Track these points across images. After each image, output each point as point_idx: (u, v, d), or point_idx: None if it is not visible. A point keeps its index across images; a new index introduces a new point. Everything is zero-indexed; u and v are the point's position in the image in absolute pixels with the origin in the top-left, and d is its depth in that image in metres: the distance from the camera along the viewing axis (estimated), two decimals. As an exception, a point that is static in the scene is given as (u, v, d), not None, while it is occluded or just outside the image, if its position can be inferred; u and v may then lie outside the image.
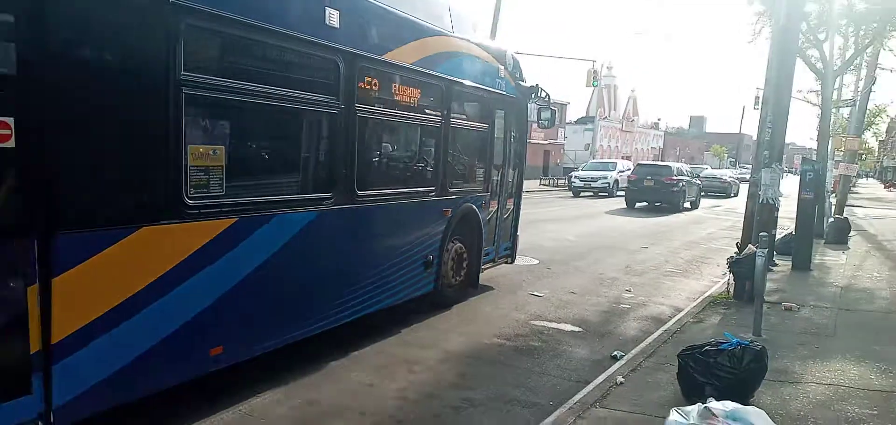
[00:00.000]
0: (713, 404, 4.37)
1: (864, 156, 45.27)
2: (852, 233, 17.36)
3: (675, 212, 25.75)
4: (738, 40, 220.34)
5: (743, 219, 11.22)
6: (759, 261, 7.58)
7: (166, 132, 4.39)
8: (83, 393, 4.07)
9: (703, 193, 31.88)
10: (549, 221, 18.64)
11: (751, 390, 5.37)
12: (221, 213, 4.90)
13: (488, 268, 9.67)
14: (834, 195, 20.95)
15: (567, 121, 64.67)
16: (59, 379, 3.90)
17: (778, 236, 12.40)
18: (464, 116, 8.48)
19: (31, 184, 3.74)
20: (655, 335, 7.60)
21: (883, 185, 66.14)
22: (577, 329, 7.96)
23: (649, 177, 27.37)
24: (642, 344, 7.20)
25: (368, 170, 6.82)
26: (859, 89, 24.08)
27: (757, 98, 40.36)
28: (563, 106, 61.16)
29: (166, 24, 4.33)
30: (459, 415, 5.31)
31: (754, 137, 13.86)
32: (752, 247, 8.76)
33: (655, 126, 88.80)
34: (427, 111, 7.65)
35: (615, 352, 6.93)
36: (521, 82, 9.75)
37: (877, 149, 74.00)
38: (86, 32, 3.94)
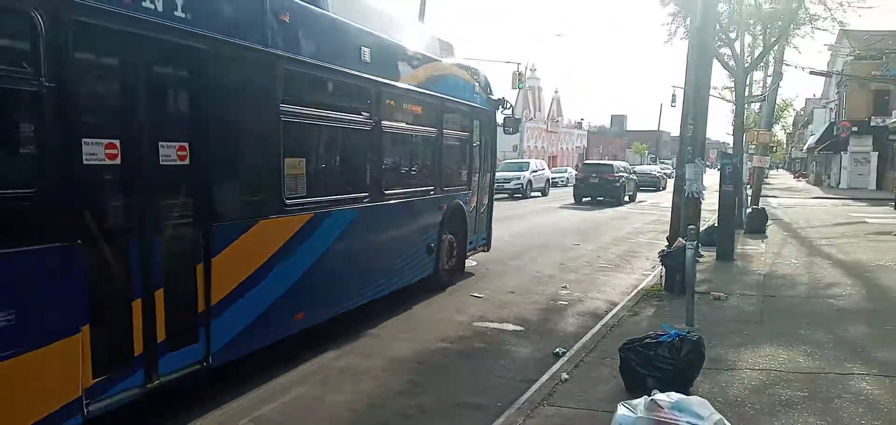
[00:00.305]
0: (658, 396, 4.45)
1: (774, 149, 47.50)
2: (769, 222, 18.18)
3: (614, 206, 27.49)
4: (655, 39, 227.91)
5: (670, 213, 11.62)
6: (689, 254, 7.82)
7: (274, 149, 6.01)
8: (227, 343, 5.46)
9: (639, 188, 34.51)
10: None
11: (691, 379, 5.54)
12: (304, 210, 6.47)
13: (471, 254, 11.18)
14: (749, 187, 21.91)
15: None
16: (215, 331, 5.29)
17: (701, 228, 12.89)
18: (452, 126, 10.15)
19: (199, 189, 5.15)
20: (594, 330, 7.75)
21: (793, 175, 69.73)
22: (518, 328, 8.06)
23: (594, 175, 30.00)
24: (583, 340, 7.33)
25: (391, 174, 8.46)
26: (768, 85, 25.29)
27: (673, 96, 41.94)
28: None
29: (273, 69, 5.95)
30: (410, 423, 5.28)
31: (672, 134, 14.38)
32: (682, 240, 9.05)
33: (579, 126, 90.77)
34: (427, 123, 9.37)
35: (557, 349, 7.04)
36: (490, 95, 11.50)
37: (785, 142, 78.01)
38: (228, 82, 5.43)
